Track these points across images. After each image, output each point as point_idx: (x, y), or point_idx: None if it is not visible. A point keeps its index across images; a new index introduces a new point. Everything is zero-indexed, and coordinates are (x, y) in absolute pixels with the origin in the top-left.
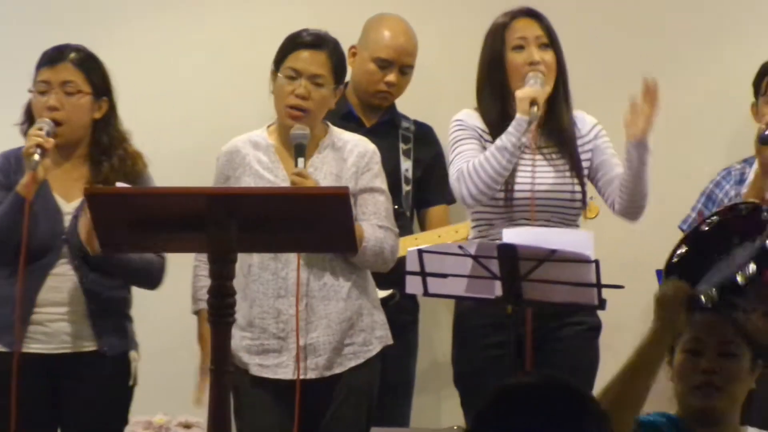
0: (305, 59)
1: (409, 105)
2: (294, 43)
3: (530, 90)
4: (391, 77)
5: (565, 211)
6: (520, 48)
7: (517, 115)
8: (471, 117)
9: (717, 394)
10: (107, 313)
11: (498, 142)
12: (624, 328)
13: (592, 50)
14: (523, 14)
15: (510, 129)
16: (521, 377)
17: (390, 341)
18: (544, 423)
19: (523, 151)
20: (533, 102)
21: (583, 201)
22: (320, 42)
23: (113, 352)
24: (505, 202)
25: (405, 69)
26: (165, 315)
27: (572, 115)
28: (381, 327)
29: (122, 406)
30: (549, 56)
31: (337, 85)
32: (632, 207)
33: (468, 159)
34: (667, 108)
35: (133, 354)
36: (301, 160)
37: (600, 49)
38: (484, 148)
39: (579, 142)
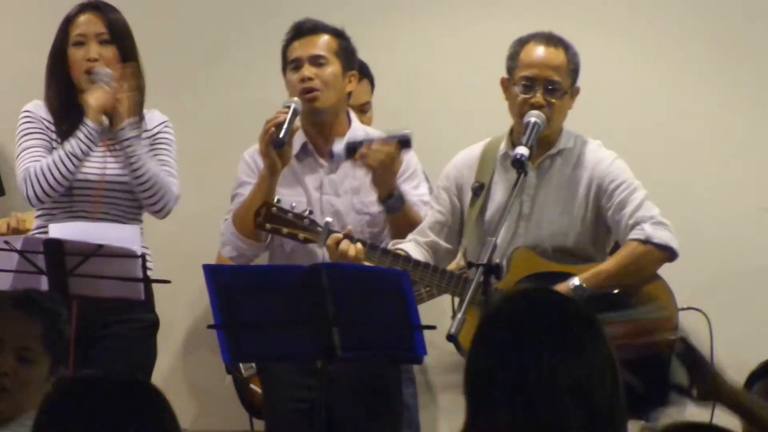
0: None
1: None
2: None
3: (100, 96)
4: None
5: (126, 204)
6: (80, 44)
7: (89, 122)
8: (39, 108)
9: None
10: None
11: (68, 146)
12: (174, 321)
13: (162, 44)
14: (87, 9)
15: (81, 135)
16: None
17: None
18: (112, 416)
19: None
20: (106, 111)
21: None
22: None
23: None
24: (67, 190)
25: None
26: None
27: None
28: None
29: None
30: (109, 52)
31: None
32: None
33: (35, 158)
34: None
35: None
36: None
37: (170, 45)
38: (51, 141)
39: (145, 134)
